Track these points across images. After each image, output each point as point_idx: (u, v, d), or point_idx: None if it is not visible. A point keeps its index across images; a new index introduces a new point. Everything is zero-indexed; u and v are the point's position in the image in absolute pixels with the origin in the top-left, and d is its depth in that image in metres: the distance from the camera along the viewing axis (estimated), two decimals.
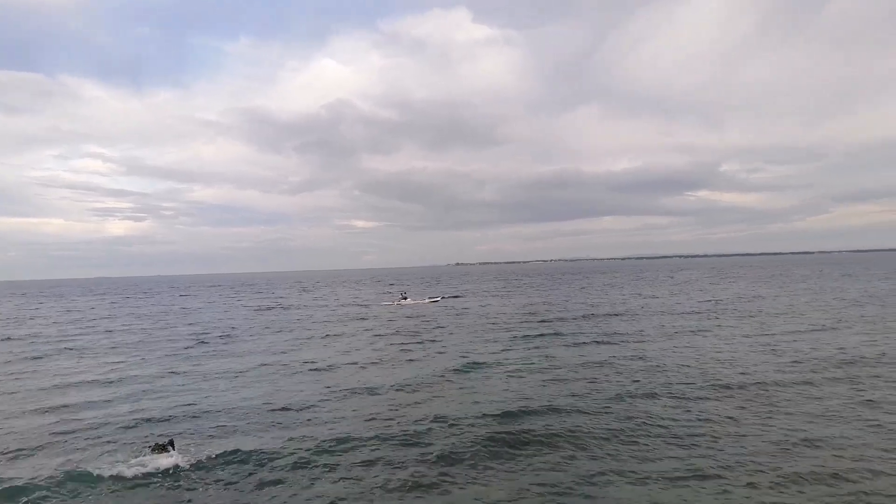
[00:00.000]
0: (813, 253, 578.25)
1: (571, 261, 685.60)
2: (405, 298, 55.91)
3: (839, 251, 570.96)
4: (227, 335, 32.20)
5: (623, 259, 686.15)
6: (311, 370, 21.35)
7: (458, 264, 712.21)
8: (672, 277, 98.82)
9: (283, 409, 15.78)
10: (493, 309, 45.86)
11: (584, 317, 35.19)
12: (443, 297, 57.29)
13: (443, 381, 18.56)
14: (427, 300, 56.10)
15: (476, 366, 20.40)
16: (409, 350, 25.59)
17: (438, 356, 23.28)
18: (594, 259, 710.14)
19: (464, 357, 22.39)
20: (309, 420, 14.80)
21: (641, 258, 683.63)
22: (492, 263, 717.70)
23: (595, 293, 59.53)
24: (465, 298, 59.78)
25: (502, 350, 23.88)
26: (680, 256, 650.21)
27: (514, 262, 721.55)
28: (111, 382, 20.16)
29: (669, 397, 15.52)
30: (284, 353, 25.57)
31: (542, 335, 27.55)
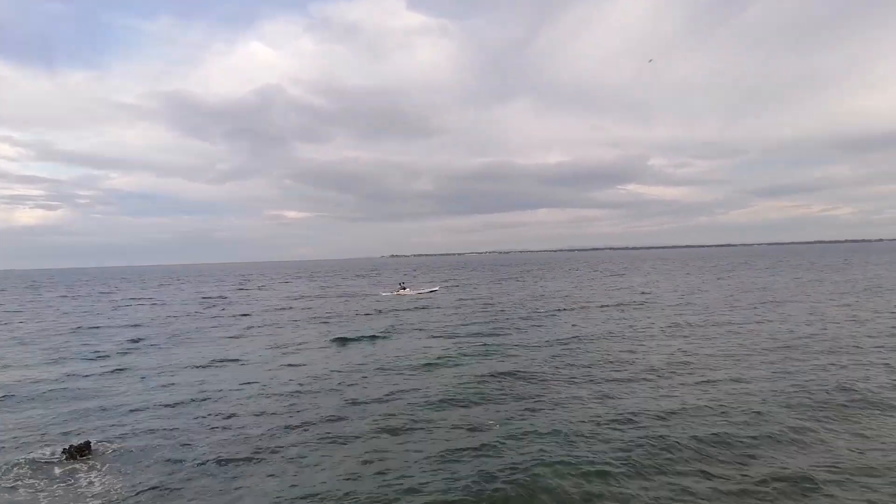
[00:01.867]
0: (735, 245, 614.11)
1: (505, 253, 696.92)
2: (404, 289, 56.48)
3: (759, 244, 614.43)
4: (155, 334, 31.40)
5: (556, 251, 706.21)
6: (242, 366, 21.31)
7: (392, 256, 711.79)
8: (596, 271, 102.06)
9: (209, 407, 15.76)
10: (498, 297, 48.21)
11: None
12: (434, 289, 58.42)
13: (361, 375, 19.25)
14: (426, 290, 57.66)
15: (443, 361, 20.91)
16: (346, 340, 26.36)
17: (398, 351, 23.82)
18: (528, 251, 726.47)
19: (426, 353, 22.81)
20: (233, 415, 14.91)
21: (574, 250, 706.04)
22: (427, 255, 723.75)
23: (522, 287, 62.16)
24: (460, 288, 62.22)
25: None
26: (611, 249, 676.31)
27: (449, 255, 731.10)
28: (26, 382, 19.53)
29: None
30: (220, 349, 25.27)
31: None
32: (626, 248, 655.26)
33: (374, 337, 27.14)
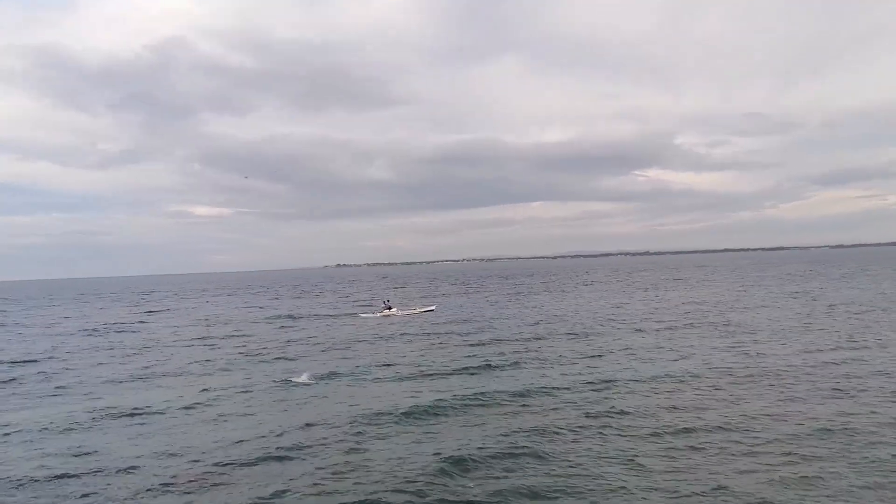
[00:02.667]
0: (788, 249, 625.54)
1: (490, 260, 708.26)
2: (389, 308, 58.74)
3: (820, 246, 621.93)
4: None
5: (555, 258, 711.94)
6: (142, 424, 20.97)
7: (339, 266, 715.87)
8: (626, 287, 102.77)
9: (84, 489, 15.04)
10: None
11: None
12: (429, 308, 61.16)
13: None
14: (419, 309, 59.83)
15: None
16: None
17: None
18: (519, 258, 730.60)
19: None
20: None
21: (578, 256, 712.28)
22: (384, 265, 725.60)
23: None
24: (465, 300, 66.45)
25: None
26: (626, 254, 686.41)
27: (413, 263, 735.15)
28: None
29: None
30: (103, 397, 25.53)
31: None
32: (647, 253, 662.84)
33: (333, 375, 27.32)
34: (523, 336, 38.91)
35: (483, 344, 36.11)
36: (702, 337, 35.88)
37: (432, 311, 59.56)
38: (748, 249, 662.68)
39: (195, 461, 16.37)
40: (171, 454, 17.17)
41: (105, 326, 58.50)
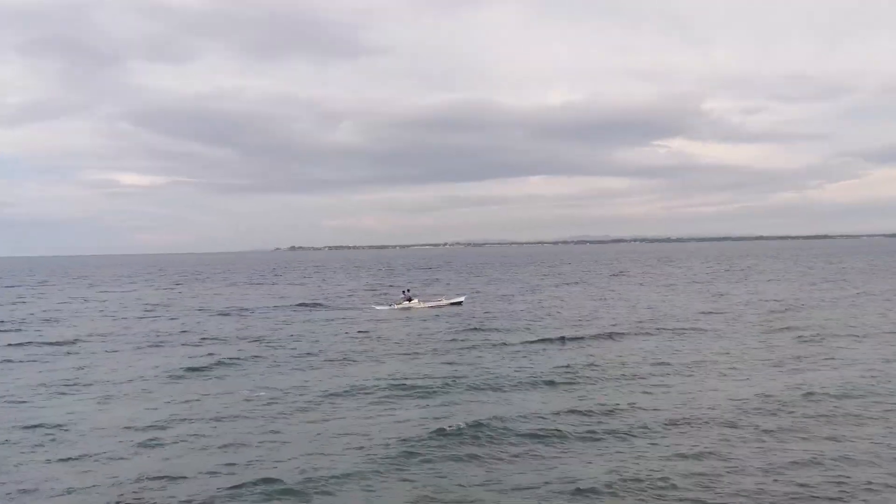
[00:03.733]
0: (834, 237, 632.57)
1: (477, 245, 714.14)
2: (409, 300, 60.35)
3: (873, 234, 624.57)
4: None
5: (555, 243, 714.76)
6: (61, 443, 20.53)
7: (294, 249, 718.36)
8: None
9: None
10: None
11: None
12: (458, 300, 63.42)
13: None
14: (444, 301, 62.16)
15: None
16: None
17: None
18: (512, 243, 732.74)
19: None
20: None
21: (583, 241, 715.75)
22: (349, 248, 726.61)
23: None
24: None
25: None
26: (642, 240, 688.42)
27: (384, 247, 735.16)
28: None
29: None
30: None
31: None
32: (667, 240, 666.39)
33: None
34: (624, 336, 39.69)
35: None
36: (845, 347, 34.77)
37: (461, 303, 61.31)
38: (788, 237, 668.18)
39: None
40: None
41: (18, 317, 58.88)
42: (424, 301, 61.62)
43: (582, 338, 38.68)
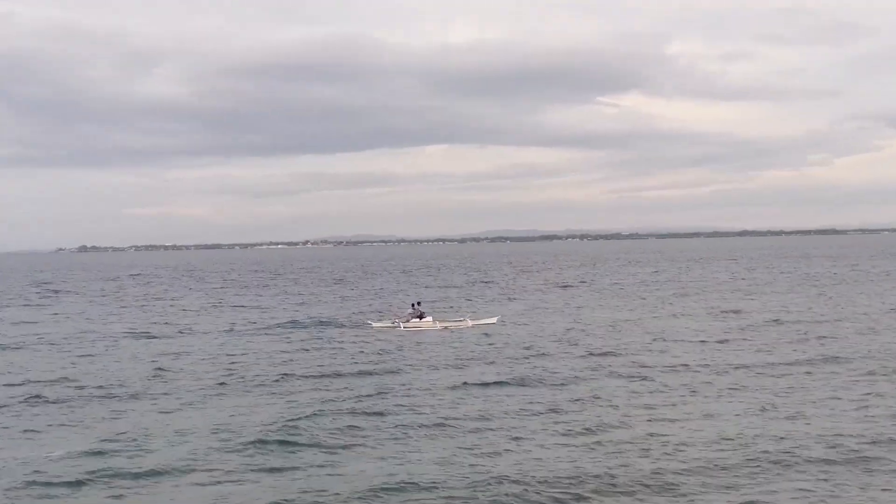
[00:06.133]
0: (844, 232, 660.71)
1: (353, 243, 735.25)
2: (421, 317, 63.69)
3: (893, 229, 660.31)
4: None
5: (463, 241, 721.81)
6: None
7: (85, 249, 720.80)
8: None
9: None
10: None
11: None
12: (490, 321, 66.37)
13: None
14: (471, 322, 64.51)
15: None
16: None
17: None
18: (402, 240, 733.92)
19: None
20: None
21: (503, 238, 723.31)
22: (165, 248, 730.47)
23: None
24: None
25: None
26: (584, 236, 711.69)
27: (219, 246, 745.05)
28: None
29: None
30: None
31: None
32: (618, 236, 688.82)
33: None
34: None
35: None
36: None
37: (493, 324, 64.43)
38: (782, 232, 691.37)
39: None
40: None
41: None
42: (441, 320, 64.83)
43: None
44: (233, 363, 47.44)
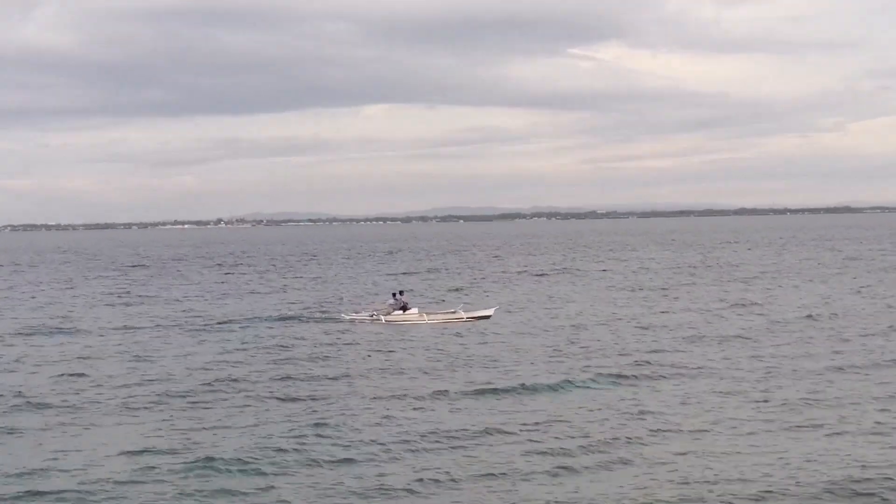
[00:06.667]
0: (861, 210, 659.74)
1: (277, 223, 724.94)
2: (404, 309, 63.86)
3: None
4: None
5: (408, 220, 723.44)
6: None
7: None
8: None
9: None
10: None
11: None
12: (487, 313, 66.49)
13: None
14: (464, 315, 64.34)
15: None
16: None
17: None
18: (334, 220, 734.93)
19: None
20: None
21: (456, 217, 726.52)
22: (48, 227, 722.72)
23: None
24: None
25: None
26: (552, 215, 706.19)
27: (112, 226, 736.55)
28: None
29: None
30: None
31: None
32: (594, 215, 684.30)
33: None
34: None
35: None
36: None
37: (489, 317, 64.60)
38: (787, 210, 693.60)
39: None
40: None
41: None
42: (429, 312, 65.10)
43: None
44: (151, 370, 45.17)
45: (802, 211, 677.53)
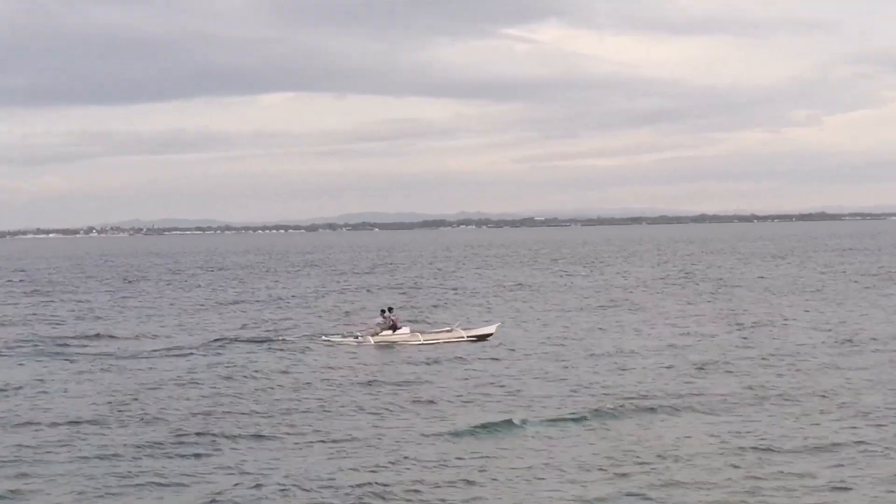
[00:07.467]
0: (839, 217, 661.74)
1: (157, 231, 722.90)
2: (394, 328, 64.11)
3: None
4: None
5: (314, 228, 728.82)
6: None
7: None
8: None
9: None
10: None
11: None
12: (488, 331, 67.11)
13: None
14: (465, 333, 65.06)
15: None
16: None
17: None
18: (227, 228, 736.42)
19: None
20: None
21: (369, 225, 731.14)
22: None
23: None
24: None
25: None
26: (481, 223, 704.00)
27: None
28: None
29: None
30: None
31: None
32: (530, 222, 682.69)
33: None
34: None
35: None
36: None
37: (491, 336, 65.36)
38: (754, 217, 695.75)
39: None
40: None
41: None
42: (423, 332, 65.93)
43: None
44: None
45: (772, 218, 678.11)
